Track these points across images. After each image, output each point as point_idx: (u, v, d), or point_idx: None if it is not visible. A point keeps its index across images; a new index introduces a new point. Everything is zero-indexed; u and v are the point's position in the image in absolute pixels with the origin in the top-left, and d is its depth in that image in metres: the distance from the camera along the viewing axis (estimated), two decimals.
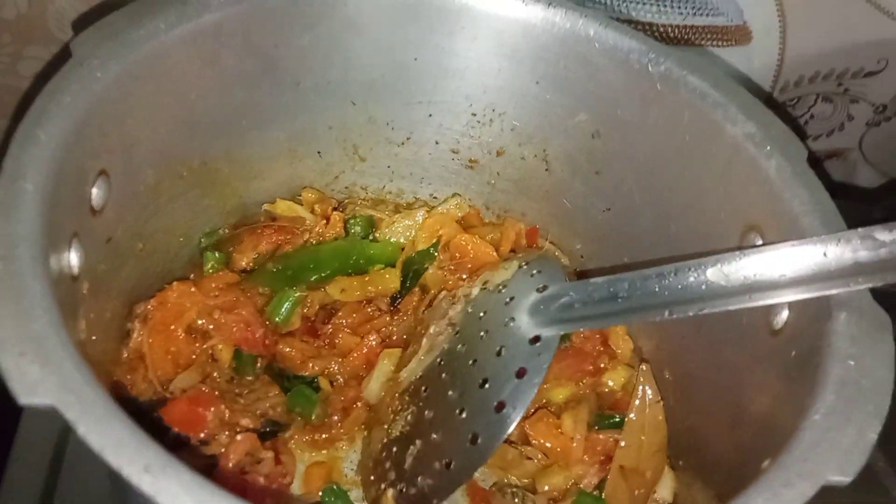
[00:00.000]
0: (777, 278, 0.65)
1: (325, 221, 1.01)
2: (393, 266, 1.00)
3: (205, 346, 0.87)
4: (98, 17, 0.76)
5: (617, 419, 0.88)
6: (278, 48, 0.86)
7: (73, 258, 0.67)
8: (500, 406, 0.74)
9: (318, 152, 1.00)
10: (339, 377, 0.93)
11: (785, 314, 0.70)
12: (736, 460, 0.70)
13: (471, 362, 0.80)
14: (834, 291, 0.63)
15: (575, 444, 0.85)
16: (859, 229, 0.63)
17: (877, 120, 1.34)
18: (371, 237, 1.02)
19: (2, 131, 1.20)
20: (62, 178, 0.64)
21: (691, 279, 0.68)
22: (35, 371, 0.49)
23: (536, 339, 0.76)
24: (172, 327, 0.85)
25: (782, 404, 0.66)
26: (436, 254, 1.01)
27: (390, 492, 0.79)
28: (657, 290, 0.70)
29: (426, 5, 0.88)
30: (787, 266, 0.64)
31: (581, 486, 0.84)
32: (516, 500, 0.81)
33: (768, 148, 0.76)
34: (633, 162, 0.90)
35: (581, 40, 0.86)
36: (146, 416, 0.82)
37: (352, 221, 1.02)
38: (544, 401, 0.91)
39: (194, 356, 0.87)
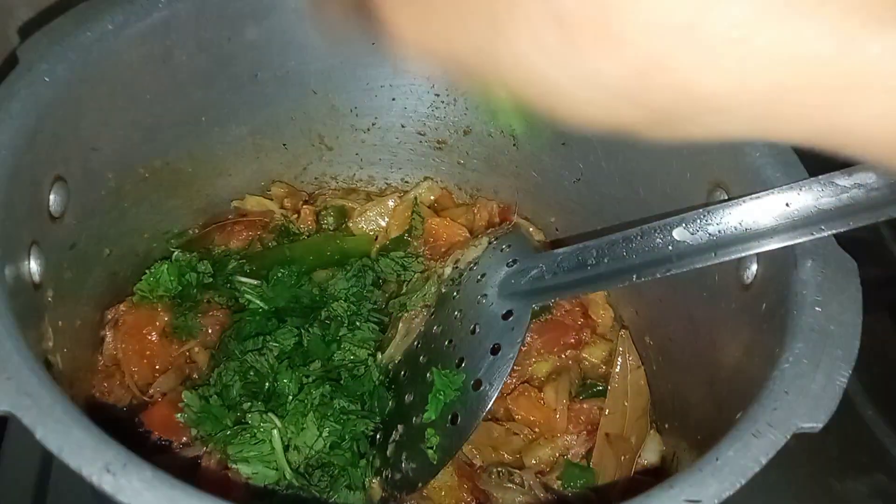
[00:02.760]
0: (742, 232, 0.64)
1: (296, 215, 1.01)
2: (368, 256, 1.00)
3: (182, 350, 0.87)
4: (46, 22, 0.75)
5: (600, 388, 0.88)
6: (231, 42, 0.85)
7: (34, 266, 0.66)
8: (478, 384, 0.74)
9: (284, 144, 0.99)
10: None
11: (754, 268, 0.70)
12: (714, 417, 0.70)
13: (447, 343, 0.79)
14: (799, 240, 0.63)
15: (558, 415, 0.85)
16: (820, 177, 0.62)
17: None
18: (343, 227, 1.02)
19: None
20: (15, 185, 0.63)
21: (658, 240, 0.68)
22: None
23: (509, 314, 0.75)
24: (145, 331, 0.84)
25: (754, 356, 0.65)
26: (409, 240, 1.00)
27: (376, 479, 0.79)
28: (625, 254, 0.69)
29: None
30: (750, 219, 0.64)
31: (568, 457, 0.84)
32: (502, 478, 0.81)
33: None
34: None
35: None
36: (127, 423, 0.82)
37: (323, 213, 1.02)
38: (528, 376, 0.91)
39: (172, 358, 0.87)
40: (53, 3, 1.02)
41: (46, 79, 0.70)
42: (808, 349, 0.57)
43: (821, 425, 0.53)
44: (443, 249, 1.00)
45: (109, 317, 0.84)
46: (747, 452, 0.51)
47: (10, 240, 0.61)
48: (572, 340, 0.93)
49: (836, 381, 0.55)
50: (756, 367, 0.63)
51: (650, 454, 0.83)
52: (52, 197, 0.71)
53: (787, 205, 0.63)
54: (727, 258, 0.65)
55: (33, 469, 0.84)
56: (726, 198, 0.74)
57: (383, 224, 1.02)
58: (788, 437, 0.52)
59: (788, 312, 0.61)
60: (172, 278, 0.87)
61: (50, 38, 0.73)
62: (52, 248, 0.71)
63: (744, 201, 0.65)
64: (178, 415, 0.78)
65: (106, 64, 0.75)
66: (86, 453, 0.45)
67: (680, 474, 0.50)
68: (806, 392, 0.55)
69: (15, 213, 0.63)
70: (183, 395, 0.78)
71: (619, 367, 0.87)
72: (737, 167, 0.73)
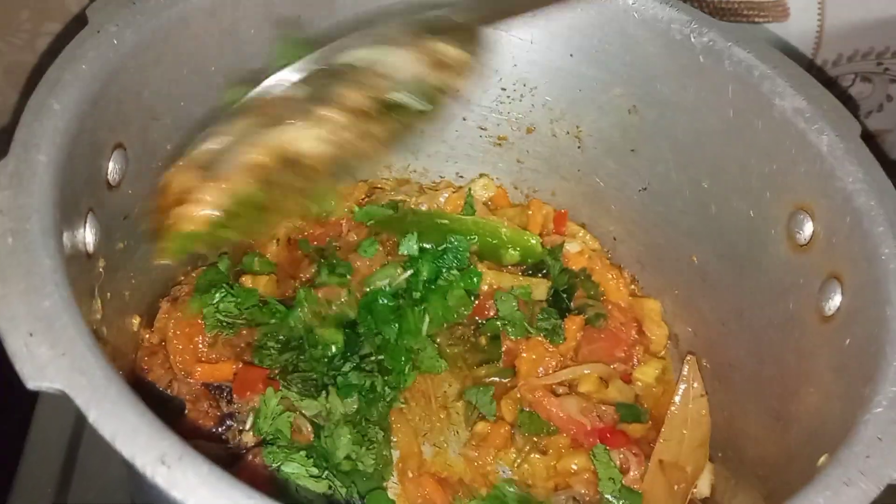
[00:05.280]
0: None
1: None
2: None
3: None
4: None
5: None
6: (301, 20, 0.82)
7: (89, 234, 0.64)
8: None
9: None
10: None
11: (838, 299, 0.66)
12: (783, 456, 0.66)
13: None
14: None
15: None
16: None
17: None
18: None
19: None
20: (77, 150, 0.61)
21: None
22: (44, 353, 0.46)
23: None
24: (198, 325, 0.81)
25: (835, 398, 0.61)
26: None
27: None
28: None
29: None
30: None
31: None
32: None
33: (819, 124, 0.71)
34: (671, 139, 0.85)
35: (619, 10, 0.81)
36: (166, 403, 0.79)
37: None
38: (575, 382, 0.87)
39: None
40: None
41: (115, 41, 0.67)
42: None
43: None
44: None
45: (172, 293, 0.82)
46: (837, 502, 0.47)
47: (69, 204, 0.59)
48: (622, 354, 0.90)
49: None
50: (838, 410, 0.59)
51: (702, 484, 0.79)
52: (110, 164, 0.68)
53: None
54: None
55: (63, 443, 0.83)
56: (810, 222, 0.70)
57: None
58: (882, 488, 0.48)
59: (879, 351, 0.57)
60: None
61: (119, 1, 0.70)
62: (107, 217, 0.68)
63: None
64: None
65: (173, 31, 0.73)
66: (140, 441, 0.43)
67: None
68: None
69: (75, 177, 0.61)
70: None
71: (680, 393, 0.83)
72: (825, 191, 0.69)
